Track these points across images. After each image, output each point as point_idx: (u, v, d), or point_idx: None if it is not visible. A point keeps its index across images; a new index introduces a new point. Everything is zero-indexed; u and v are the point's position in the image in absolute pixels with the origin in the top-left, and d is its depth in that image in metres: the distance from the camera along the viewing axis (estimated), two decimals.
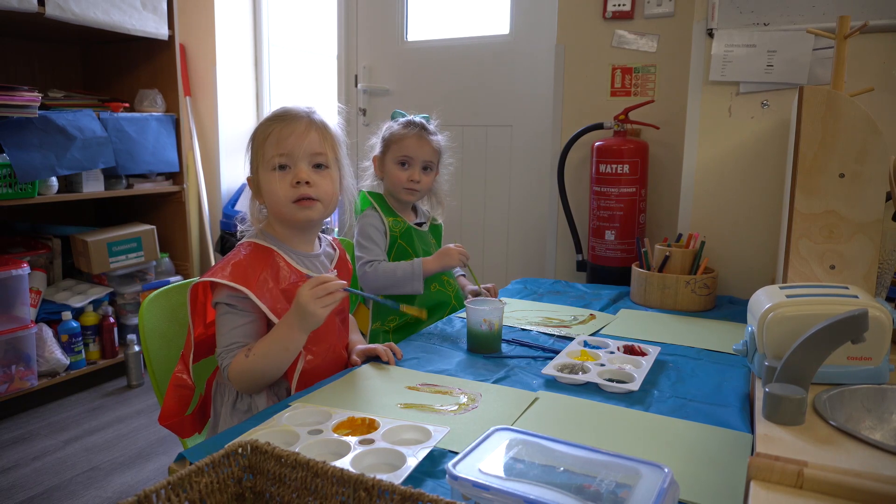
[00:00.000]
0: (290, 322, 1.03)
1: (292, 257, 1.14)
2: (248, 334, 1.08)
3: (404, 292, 1.54)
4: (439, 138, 1.64)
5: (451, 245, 1.59)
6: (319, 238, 1.24)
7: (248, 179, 1.18)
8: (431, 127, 1.64)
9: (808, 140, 1.25)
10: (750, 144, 1.70)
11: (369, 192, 1.65)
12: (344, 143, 1.19)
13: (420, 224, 1.68)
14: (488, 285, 1.68)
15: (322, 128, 1.14)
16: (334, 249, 1.26)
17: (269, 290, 1.08)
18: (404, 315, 1.59)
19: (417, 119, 1.63)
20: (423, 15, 2.82)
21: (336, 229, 2.75)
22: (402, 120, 1.64)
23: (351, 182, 1.22)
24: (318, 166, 1.13)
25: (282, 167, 1.10)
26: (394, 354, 1.20)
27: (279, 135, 1.10)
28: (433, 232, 1.73)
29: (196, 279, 1.11)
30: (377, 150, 1.65)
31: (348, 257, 1.31)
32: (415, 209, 1.72)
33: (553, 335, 1.37)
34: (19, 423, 2.35)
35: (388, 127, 1.64)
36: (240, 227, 1.20)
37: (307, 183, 1.10)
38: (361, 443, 0.82)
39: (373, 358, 1.20)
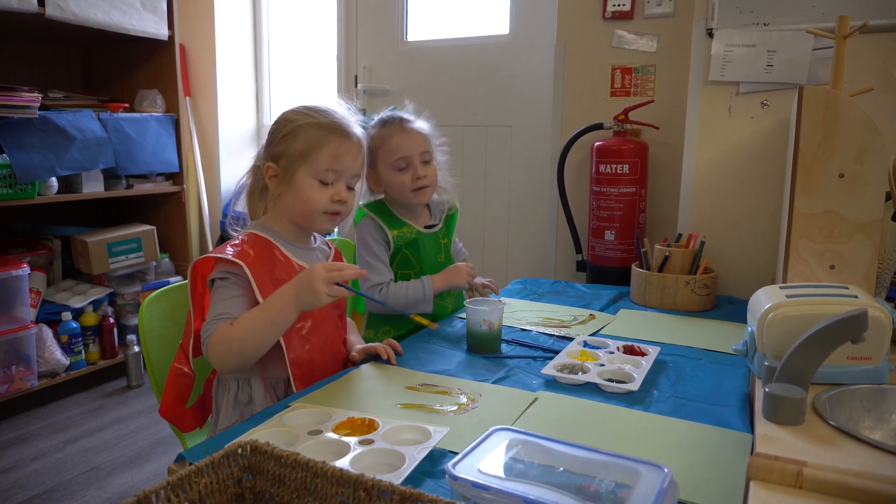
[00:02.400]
0: (284, 295, 1.02)
1: (289, 249, 1.15)
2: (237, 307, 1.06)
3: (415, 313, 1.45)
4: (422, 124, 1.49)
5: (461, 264, 1.52)
6: (314, 237, 1.24)
7: (267, 167, 1.14)
8: (409, 115, 1.49)
9: (807, 140, 1.25)
10: (750, 144, 1.70)
11: (366, 205, 1.52)
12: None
13: (432, 226, 1.56)
14: (487, 280, 1.66)
15: (363, 148, 1.18)
16: (329, 248, 1.27)
17: (262, 273, 1.08)
18: (401, 329, 1.50)
19: (388, 114, 1.49)
20: (422, 15, 2.82)
21: (336, 230, 2.74)
22: (374, 122, 1.48)
23: (358, 194, 1.23)
24: (350, 188, 1.17)
25: (328, 183, 1.13)
26: (394, 353, 1.20)
27: (338, 151, 1.12)
28: (447, 223, 1.60)
29: (197, 258, 1.11)
30: (362, 168, 1.55)
31: (343, 257, 1.31)
32: (427, 206, 1.58)
33: (553, 335, 1.37)
34: (19, 423, 2.35)
35: (369, 136, 1.45)
36: (232, 227, 1.20)
37: (343, 202, 1.15)
38: (361, 443, 0.82)
39: (373, 357, 1.20)
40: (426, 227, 1.55)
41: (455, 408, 0.98)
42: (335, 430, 0.87)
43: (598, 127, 2.17)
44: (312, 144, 1.11)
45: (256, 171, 1.19)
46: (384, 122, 1.47)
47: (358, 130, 1.17)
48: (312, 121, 1.13)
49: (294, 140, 1.12)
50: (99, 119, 2.54)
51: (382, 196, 1.54)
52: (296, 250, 1.16)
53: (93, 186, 2.58)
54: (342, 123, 1.15)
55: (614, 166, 2.03)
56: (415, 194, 1.46)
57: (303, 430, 0.87)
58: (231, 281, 1.07)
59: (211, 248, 3.25)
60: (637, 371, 1.11)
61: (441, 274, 1.50)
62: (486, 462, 0.69)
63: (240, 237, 1.13)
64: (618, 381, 1.08)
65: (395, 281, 1.49)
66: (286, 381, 1.11)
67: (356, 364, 1.19)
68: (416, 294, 1.46)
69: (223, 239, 3.23)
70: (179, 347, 1.16)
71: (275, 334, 1.05)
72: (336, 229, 2.14)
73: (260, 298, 1.05)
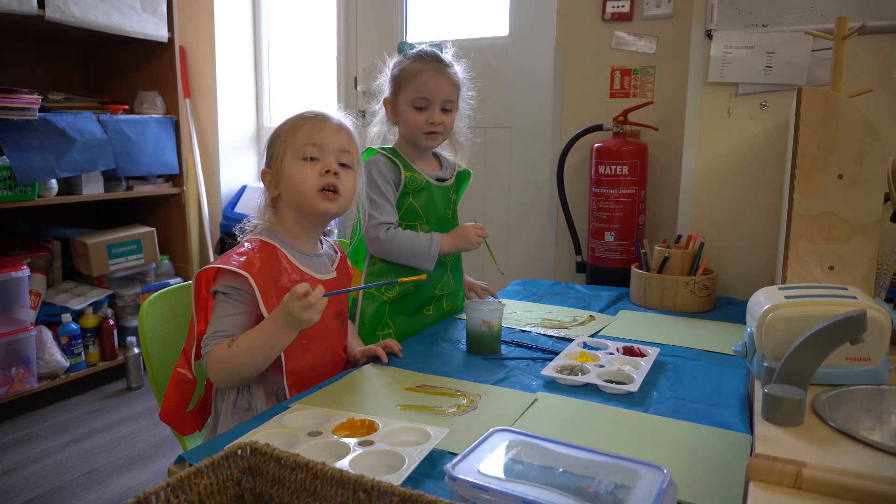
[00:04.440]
0: (278, 322, 1.02)
1: (295, 256, 1.15)
2: (236, 325, 1.07)
3: (412, 266, 1.42)
4: (457, 70, 1.46)
5: (470, 224, 1.47)
6: (321, 241, 1.24)
7: (264, 172, 1.17)
8: (448, 58, 1.45)
9: (806, 141, 1.25)
10: (749, 145, 1.71)
11: (381, 147, 1.47)
12: (360, 152, 1.22)
13: (443, 179, 1.52)
14: (483, 283, 1.66)
15: (350, 131, 1.18)
16: (336, 252, 1.27)
17: (268, 283, 1.08)
18: (404, 285, 1.45)
19: (429, 49, 1.45)
20: (422, 16, 2.83)
21: (336, 231, 2.75)
22: (412, 53, 1.45)
23: (362, 189, 1.23)
24: (343, 164, 1.16)
25: (312, 159, 1.13)
26: (395, 353, 1.21)
27: (313, 127, 1.14)
28: (459, 180, 1.57)
29: (203, 268, 1.11)
30: (387, 92, 1.47)
31: (349, 262, 1.31)
32: (438, 158, 1.55)
33: (552, 336, 1.37)
34: (19, 425, 2.34)
35: (398, 63, 1.46)
36: (240, 237, 1.20)
37: (335, 174, 1.13)
38: (361, 444, 0.83)
39: (373, 358, 1.20)
40: (437, 179, 1.51)
41: (455, 409, 0.98)
42: (335, 432, 0.87)
43: (598, 128, 2.17)
44: (290, 131, 1.14)
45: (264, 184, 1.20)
46: (421, 56, 1.44)
47: (340, 118, 1.18)
48: (292, 115, 1.18)
49: (278, 137, 1.16)
50: (99, 121, 2.55)
51: (396, 137, 1.51)
52: (302, 257, 1.16)
53: (93, 188, 2.58)
54: (318, 110, 1.18)
55: (614, 167, 2.03)
56: (425, 137, 1.44)
57: (302, 432, 0.87)
58: (233, 297, 1.07)
59: (211, 249, 3.26)
60: (636, 372, 1.11)
61: (449, 235, 1.46)
62: (486, 463, 0.69)
63: (246, 244, 1.13)
64: (617, 383, 1.08)
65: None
66: (286, 388, 1.11)
67: (358, 365, 1.19)
68: (422, 248, 1.41)
69: (223, 241, 3.23)
70: (182, 352, 1.15)
71: (275, 355, 1.06)
72: (336, 231, 2.12)
73: (264, 311, 1.05)
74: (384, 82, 1.49)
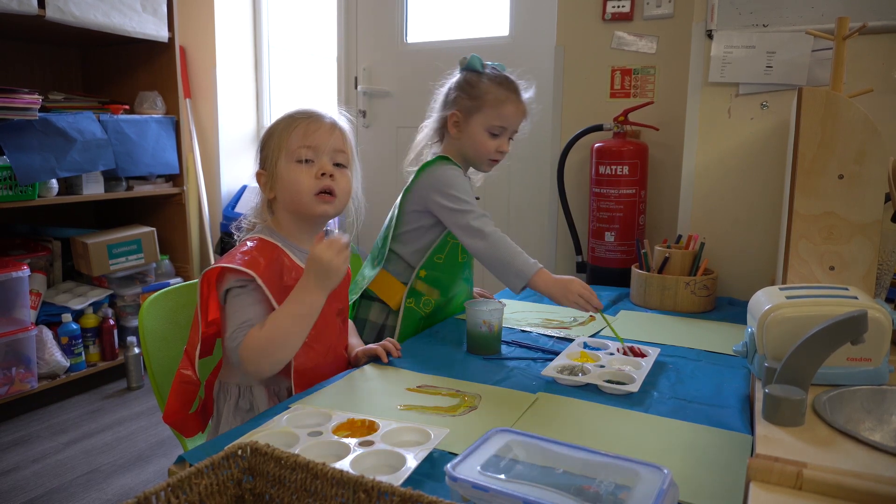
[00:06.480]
0: (307, 286, 1.02)
1: (296, 255, 1.15)
2: (260, 314, 1.06)
3: (496, 276, 1.34)
4: (530, 101, 1.48)
5: (577, 281, 1.31)
6: None
7: (259, 174, 1.17)
8: (527, 90, 1.46)
9: (807, 141, 1.25)
10: (749, 146, 1.71)
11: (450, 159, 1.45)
12: (356, 150, 1.21)
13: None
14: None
15: (343, 130, 1.18)
16: None
17: (273, 281, 1.08)
18: (443, 297, 1.46)
19: (508, 74, 1.45)
20: (422, 16, 2.83)
21: (336, 231, 2.74)
22: (495, 75, 1.42)
23: (358, 187, 1.23)
24: (338, 164, 1.15)
25: (307, 161, 1.12)
26: (394, 351, 1.21)
27: (306, 129, 1.13)
28: None
29: (208, 267, 1.11)
30: (455, 106, 1.43)
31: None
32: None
33: (553, 336, 1.37)
34: (19, 425, 2.34)
35: (474, 81, 1.42)
36: (237, 235, 1.19)
37: (331, 176, 1.12)
38: (361, 444, 0.82)
39: (374, 358, 1.20)
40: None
41: (455, 409, 0.98)
42: (335, 432, 0.87)
43: (598, 128, 2.17)
44: (284, 133, 1.14)
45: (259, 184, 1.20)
46: (505, 82, 1.44)
47: (333, 116, 1.18)
48: (284, 116, 1.17)
49: (271, 139, 1.15)
50: (99, 121, 2.54)
51: (449, 149, 1.48)
52: (303, 256, 1.16)
53: (93, 188, 2.58)
54: (311, 109, 1.17)
55: (614, 167, 2.03)
56: (489, 163, 1.47)
57: (303, 432, 0.87)
58: (249, 288, 1.07)
59: (211, 249, 3.26)
60: (637, 372, 1.11)
61: (554, 280, 1.31)
62: (486, 463, 0.69)
63: (249, 242, 1.13)
64: (618, 383, 1.08)
65: (435, 264, 1.43)
66: (289, 388, 1.11)
67: (359, 365, 1.19)
68: (521, 268, 1.30)
69: (223, 241, 3.23)
70: (184, 353, 1.15)
71: (311, 322, 1.05)
72: (336, 231, 2.11)
73: (276, 306, 1.05)
74: (450, 93, 1.45)
